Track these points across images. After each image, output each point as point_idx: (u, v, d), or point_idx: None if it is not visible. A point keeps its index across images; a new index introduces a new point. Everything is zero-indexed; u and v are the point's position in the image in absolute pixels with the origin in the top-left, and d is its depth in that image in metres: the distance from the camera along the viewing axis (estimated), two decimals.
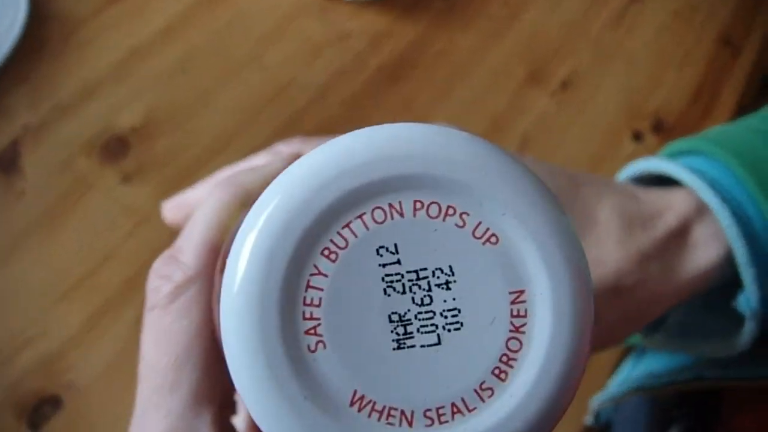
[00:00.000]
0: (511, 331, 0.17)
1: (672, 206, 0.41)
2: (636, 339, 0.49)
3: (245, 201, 0.30)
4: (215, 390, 0.29)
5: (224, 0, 0.75)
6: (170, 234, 0.60)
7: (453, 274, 0.17)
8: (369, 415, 0.16)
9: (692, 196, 0.41)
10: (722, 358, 0.44)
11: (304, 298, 0.16)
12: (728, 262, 0.40)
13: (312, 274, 0.16)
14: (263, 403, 0.16)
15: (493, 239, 0.17)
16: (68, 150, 0.65)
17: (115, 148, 0.65)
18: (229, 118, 0.69)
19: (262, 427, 0.16)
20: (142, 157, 0.65)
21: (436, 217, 0.17)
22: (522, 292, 0.17)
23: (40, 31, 0.70)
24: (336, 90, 0.71)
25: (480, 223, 0.17)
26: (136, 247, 0.61)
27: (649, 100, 0.75)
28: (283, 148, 0.36)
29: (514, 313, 0.17)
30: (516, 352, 0.17)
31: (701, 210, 0.41)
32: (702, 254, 0.41)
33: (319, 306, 0.16)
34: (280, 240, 0.16)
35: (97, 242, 0.61)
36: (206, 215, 0.30)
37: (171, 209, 0.36)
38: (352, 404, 0.16)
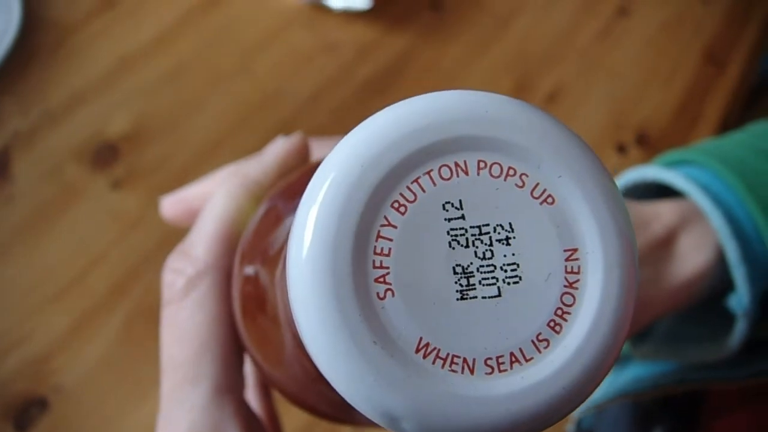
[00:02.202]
0: (565, 286, 0.17)
1: (659, 216, 0.42)
2: (623, 349, 0.49)
3: (255, 192, 0.31)
4: (236, 381, 0.29)
5: (214, 10, 0.76)
6: (158, 240, 0.62)
7: (513, 231, 0.17)
8: (433, 362, 0.17)
9: (679, 207, 0.43)
10: (706, 362, 0.45)
11: (375, 247, 0.17)
12: (713, 271, 0.42)
13: (382, 225, 0.17)
14: (333, 348, 0.16)
15: (549, 199, 0.18)
16: (58, 156, 0.65)
17: (104, 154, 0.66)
18: (217, 126, 0.69)
19: (329, 375, 0.17)
20: (131, 163, 0.66)
21: (498, 176, 0.18)
22: (575, 250, 0.18)
23: (31, 39, 0.71)
24: (324, 99, 0.72)
25: (538, 183, 0.18)
26: (124, 252, 0.61)
27: (633, 112, 0.76)
28: (283, 141, 0.36)
29: (568, 269, 0.18)
30: (570, 306, 0.17)
31: (687, 220, 0.42)
32: (688, 263, 0.42)
33: (388, 255, 0.17)
34: (353, 191, 0.17)
35: (85, 247, 0.61)
36: (216, 208, 0.30)
37: (171, 204, 0.36)
38: (417, 351, 0.17)
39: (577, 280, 0.17)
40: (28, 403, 0.55)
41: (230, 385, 0.28)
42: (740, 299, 0.40)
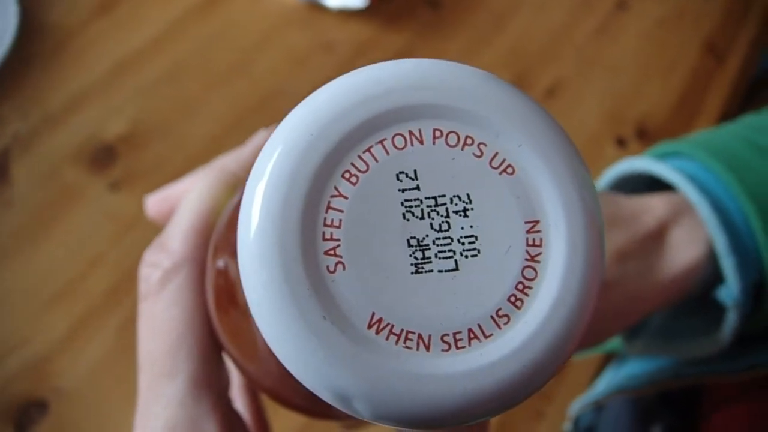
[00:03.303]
0: (526, 260, 0.17)
1: (650, 209, 0.42)
2: (617, 345, 0.49)
3: (231, 183, 0.30)
4: (214, 376, 0.28)
5: (210, 11, 0.76)
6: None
7: (470, 202, 0.17)
8: (387, 338, 0.16)
9: (670, 200, 0.42)
10: (700, 357, 0.44)
11: (325, 219, 0.16)
12: (704, 265, 0.41)
13: (333, 196, 0.16)
14: (281, 323, 0.16)
15: (509, 170, 0.17)
16: (57, 159, 0.65)
17: (102, 156, 0.66)
18: (215, 126, 0.69)
19: (278, 351, 0.16)
20: (129, 165, 0.66)
21: (455, 145, 0.17)
22: (537, 222, 0.17)
23: (30, 42, 0.71)
24: None
25: (497, 153, 0.17)
26: (122, 254, 0.61)
27: (633, 106, 0.76)
28: (265, 133, 0.36)
29: (530, 242, 0.17)
30: (531, 280, 0.17)
31: (679, 213, 0.42)
32: (679, 255, 0.41)
33: (339, 227, 0.16)
34: (302, 161, 0.16)
35: (83, 249, 0.61)
36: (192, 201, 0.30)
37: (155, 203, 0.35)
38: (369, 326, 0.16)
39: (539, 253, 0.17)
40: (28, 405, 0.55)
41: (208, 379, 0.28)
42: (730, 290, 0.40)
